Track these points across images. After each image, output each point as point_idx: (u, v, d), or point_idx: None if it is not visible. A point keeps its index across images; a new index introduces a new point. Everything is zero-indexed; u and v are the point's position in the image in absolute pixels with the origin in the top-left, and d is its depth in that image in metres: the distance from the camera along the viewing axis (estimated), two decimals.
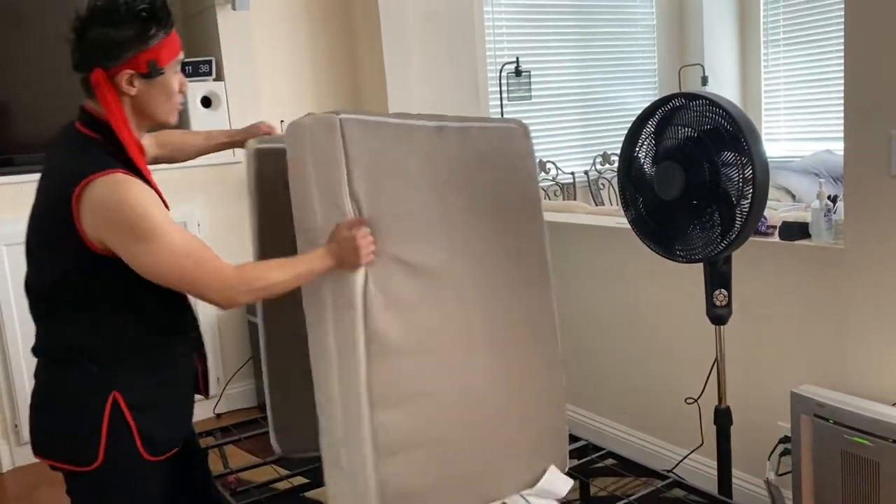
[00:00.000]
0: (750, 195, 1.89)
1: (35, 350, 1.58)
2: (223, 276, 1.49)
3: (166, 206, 1.50)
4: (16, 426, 3.14)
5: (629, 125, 2.14)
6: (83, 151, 1.48)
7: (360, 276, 1.67)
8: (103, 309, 1.51)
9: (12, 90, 3.21)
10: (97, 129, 1.51)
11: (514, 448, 1.95)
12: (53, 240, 1.48)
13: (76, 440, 1.50)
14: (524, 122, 2.08)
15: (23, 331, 3.11)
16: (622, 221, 2.68)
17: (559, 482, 1.99)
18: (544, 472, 2.00)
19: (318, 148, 1.69)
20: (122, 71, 1.47)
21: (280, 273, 1.58)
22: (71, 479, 1.54)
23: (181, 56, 1.59)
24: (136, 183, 1.43)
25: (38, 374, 1.58)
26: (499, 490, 1.92)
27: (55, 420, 1.52)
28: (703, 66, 5.44)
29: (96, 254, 1.44)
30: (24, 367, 3.12)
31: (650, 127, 2.08)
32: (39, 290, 1.55)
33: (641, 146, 2.11)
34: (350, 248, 1.62)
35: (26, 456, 3.19)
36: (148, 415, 1.53)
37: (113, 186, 1.41)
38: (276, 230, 1.91)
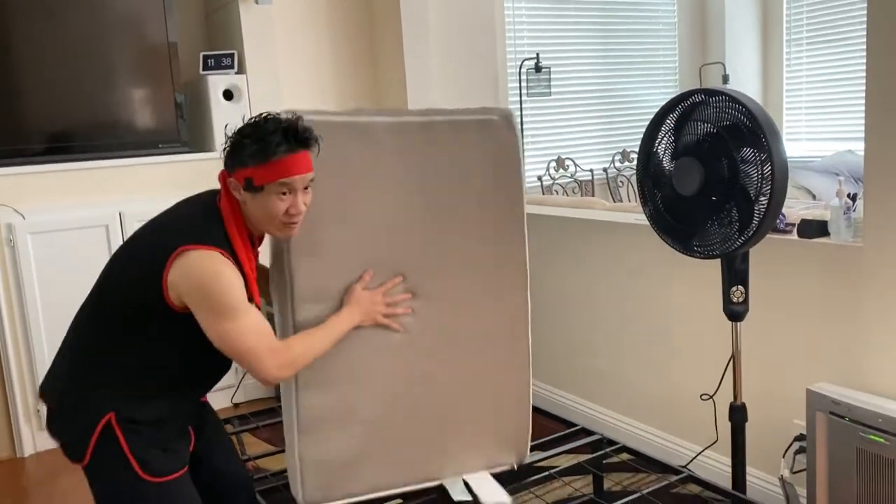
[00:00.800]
0: (768, 192, 1.89)
1: (66, 348, 1.71)
2: (279, 356, 1.64)
3: (250, 288, 1.67)
4: (38, 411, 3.20)
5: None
6: (206, 217, 1.65)
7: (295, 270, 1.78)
8: (148, 346, 1.64)
9: (42, 81, 3.25)
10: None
11: (465, 436, 2.01)
12: (136, 272, 1.61)
13: (71, 439, 1.68)
14: (510, 112, 2.01)
15: (45, 318, 3.16)
16: (640, 218, 2.68)
17: (487, 488, 2.02)
18: (500, 465, 2.09)
19: None
20: (232, 178, 1.63)
21: (320, 345, 1.74)
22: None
23: (292, 180, 1.61)
24: (228, 264, 1.59)
25: (61, 369, 1.71)
26: (439, 471, 2.00)
27: (63, 416, 1.69)
28: (724, 65, 5.41)
29: (168, 305, 1.59)
30: (47, 354, 3.18)
31: (670, 122, 2.08)
32: (98, 306, 1.68)
33: (660, 142, 2.12)
34: (371, 310, 1.84)
35: (48, 441, 3.24)
36: (142, 439, 1.65)
37: (208, 262, 1.57)
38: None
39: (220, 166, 1.68)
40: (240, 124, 1.64)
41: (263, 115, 1.64)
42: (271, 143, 1.57)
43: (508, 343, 2.04)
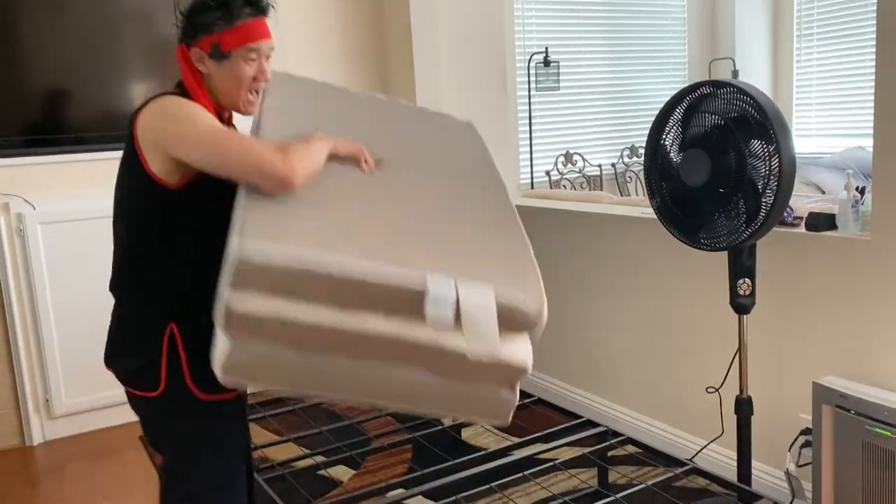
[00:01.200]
0: (776, 184, 1.89)
1: (112, 287, 1.67)
2: (274, 150, 1.47)
3: None
4: (47, 400, 3.22)
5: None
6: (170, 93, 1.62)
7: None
8: (175, 244, 1.58)
9: (54, 72, 3.27)
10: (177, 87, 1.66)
11: (464, 246, 1.55)
12: (126, 181, 1.60)
13: (141, 368, 1.60)
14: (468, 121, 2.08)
15: (55, 307, 3.19)
16: (647, 211, 2.68)
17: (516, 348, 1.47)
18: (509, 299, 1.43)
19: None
20: (193, 49, 1.61)
21: (318, 155, 1.58)
22: (141, 403, 1.64)
23: (259, 45, 1.61)
24: (185, 99, 1.55)
25: (114, 307, 1.67)
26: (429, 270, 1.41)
27: (124, 349, 1.63)
28: (733, 60, 5.39)
29: (161, 186, 1.54)
30: (56, 343, 3.20)
31: (677, 114, 2.08)
32: (120, 234, 1.63)
33: (668, 133, 2.11)
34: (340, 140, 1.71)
35: (57, 430, 3.27)
36: (201, 351, 1.56)
37: (164, 100, 1.54)
38: None
39: None
40: None
41: None
42: (236, 5, 1.58)
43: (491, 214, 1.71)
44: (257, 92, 1.67)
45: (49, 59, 3.25)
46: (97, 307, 3.24)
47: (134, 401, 1.65)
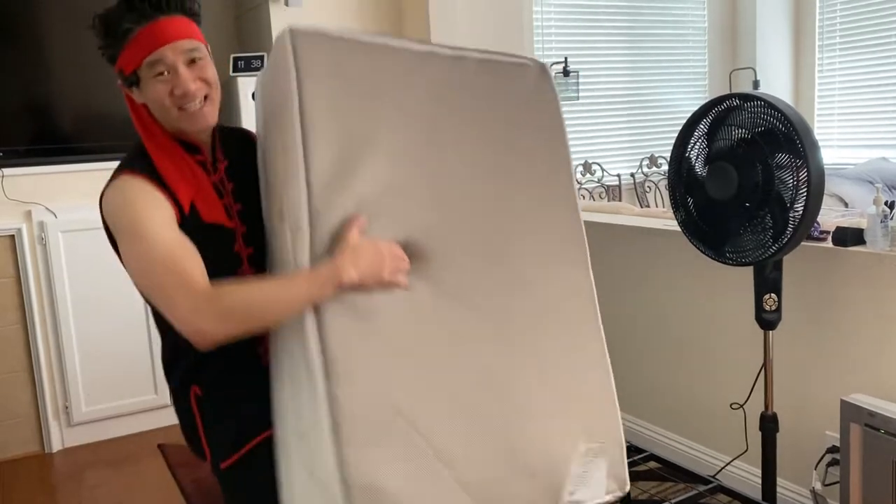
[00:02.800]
0: (804, 198, 1.86)
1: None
2: (193, 292, 1.23)
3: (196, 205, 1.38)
4: (66, 407, 3.23)
5: (678, 128, 2.12)
6: (127, 155, 1.45)
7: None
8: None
9: (77, 82, 3.29)
10: None
11: (544, 450, 1.54)
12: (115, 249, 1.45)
13: (189, 438, 1.52)
14: (542, 63, 1.70)
15: (75, 316, 3.20)
16: (669, 223, 2.65)
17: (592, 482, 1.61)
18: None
19: (268, 79, 1.39)
20: (119, 81, 1.40)
21: (278, 296, 1.26)
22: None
23: (159, 54, 1.31)
24: (136, 183, 1.34)
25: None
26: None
27: (182, 424, 1.54)
28: (754, 70, 5.35)
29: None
30: (76, 350, 3.21)
31: (703, 127, 2.06)
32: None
33: (693, 146, 2.09)
34: (379, 261, 1.31)
35: (76, 437, 3.28)
36: (218, 413, 1.46)
37: (115, 191, 1.36)
38: None
39: None
40: None
41: None
42: (117, 19, 1.30)
43: (570, 338, 1.62)
44: (190, 109, 1.36)
45: (72, 70, 3.27)
46: (118, 316, 3.26)
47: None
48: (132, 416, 3.35)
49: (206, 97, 1.38)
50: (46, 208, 3.15)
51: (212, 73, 1.38)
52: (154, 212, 1.31)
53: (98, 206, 1.41)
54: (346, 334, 1.31)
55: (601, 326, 1.70)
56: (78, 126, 3.33)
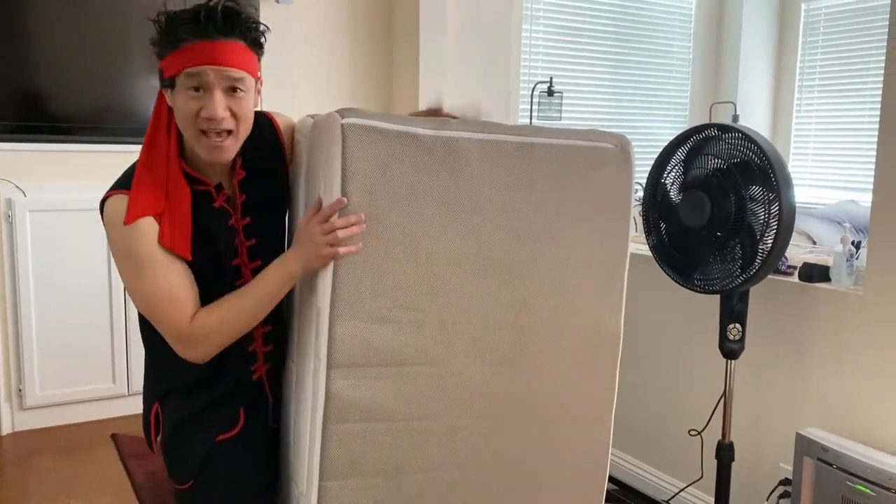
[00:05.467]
0: (774, 232, 1.89)
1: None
2: (176, 324, 1.37)
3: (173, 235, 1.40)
4: (20, 390, 3.17)
5: (655, 156, 2.15)
6: (128, 169, 1.47)
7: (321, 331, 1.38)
8: (149, 328, 1.50)
9: (57, 61, 3.25)
10: None
11: None
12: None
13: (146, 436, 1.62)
14: (627, 140, 1.65)
15: (37, 297, 3.14)
16: (641, 248, 2.68)
17: None
18: None
19: (316, 151, 1.44)
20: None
21: (238, 302, 1.39)
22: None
23: (200, 71, 1.31)
24: (133, 207, 1.35)
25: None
26: None
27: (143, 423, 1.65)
28: (735, 105, 5.44)
29: None
30: (35, 333, 3.15)
31: (680, 154, 2.09)
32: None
33: (669, 173, 2.12)
34: (309, 245, 1.34)
35: (28, 421, 3.21)
36: (176, 435, 1.53)
37: (112, 212, 1.37)
38: None
39: None
40: None
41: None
42: (177, 25, 1.30)
43: (592, 424, 1.68)
44: (212, 137, 1.35)
45: (52, 49, 3.23)
46: (81, 301, 3.20)
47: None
48: (88, 404, 3.29)
49: (229, 132, 1.37)
50: (16, 185, 3.10)
51: (246, 108, 1.37)
52: (144, 238, 1.36)
53: (99, 207, 1.45)
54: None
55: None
56: (56, 107, 3.29)
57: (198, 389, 1.51)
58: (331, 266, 1.35)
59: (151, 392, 1.57)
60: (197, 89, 1.32)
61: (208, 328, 1.37)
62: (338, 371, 1.37)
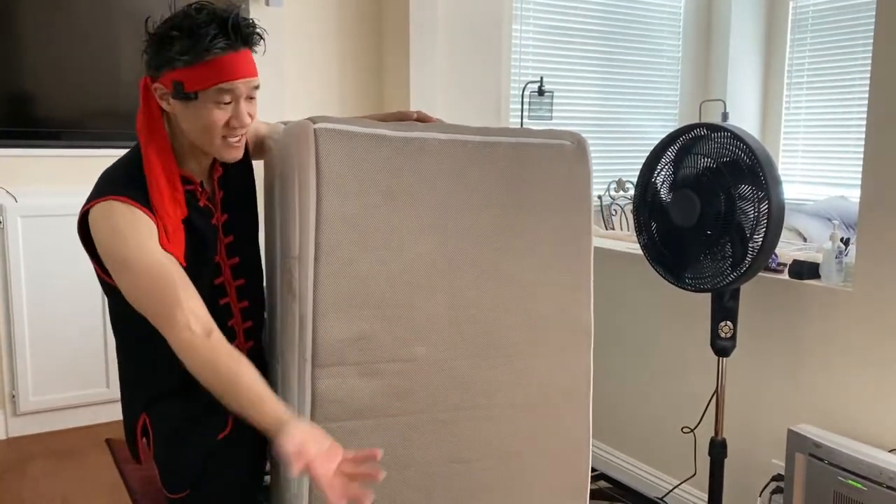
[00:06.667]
0: (764, 230, 1.90)
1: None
2: (177, 331, 1.29)
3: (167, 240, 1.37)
4: (13, 396, 3.16)
5: (646, 154, 2.16)
6: (118, 163, 1.44)
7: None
8: (129, 337, 1.50)
9: (48, 66, 3.24)
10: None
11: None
12: (96, 271, 1.46)
13: (129, 443, 1.59)
14: (582, 137, 1.74)
15: (29, 303, 3.13)
16: (633, 247, 2.69)
17: None
18: None
19: (289, 159, 1.48)
20: (158, 84, 1.37)
21: (237, 369, 1.26)
22: None
23: (233, 85, 1.34)
24: (126, 209, 1.33)
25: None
26: None
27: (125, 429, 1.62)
28: (724, 102, 5.46)
29: (108, 282, 1.42)
30: (28, 338, 3.15)
31: (670, 154, 2.10)
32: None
33: (660, 172, 2.13)
34: (315, 445, 1.20)
35: (22, 427, 3.21)
36: (170, 444, 1.49)
37: (102, 218, 1.33)
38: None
39: None
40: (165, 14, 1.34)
41: (194, 3, 1.34)
42: (205, 37, 1.29)
43: (570, 413, 1.74)
44: (235, 140, 1.40)
45: (44, 53, 3.22)
46: (73, 306, 3.20)
47: None
48: (82, 409, 3.28)
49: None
50: (7, 191, 3.09)
51: (256, 110, 1.43)
52: (142, 241, 1.33)
53: (79, 215, 1.41)
54: None
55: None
56: (46, 111, 3.28)
57: (186, 392, 1.47)
58: (311, 267, 1.39)
59: (136, 401, 1.53)
60: (226, 102, 1.35)
61: (205, 351, 1.29)
62: (323, 370, 1.40)
